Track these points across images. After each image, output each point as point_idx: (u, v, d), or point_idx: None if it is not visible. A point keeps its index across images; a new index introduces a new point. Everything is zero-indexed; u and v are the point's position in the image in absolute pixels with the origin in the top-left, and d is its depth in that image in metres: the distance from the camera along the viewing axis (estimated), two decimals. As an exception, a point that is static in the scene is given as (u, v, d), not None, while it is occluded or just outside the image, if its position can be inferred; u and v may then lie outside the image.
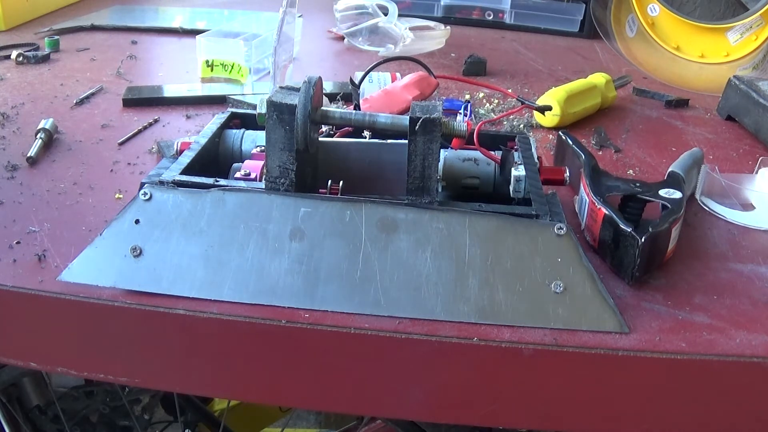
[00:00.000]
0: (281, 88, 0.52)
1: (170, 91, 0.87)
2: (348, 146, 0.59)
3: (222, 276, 0.48)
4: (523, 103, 0.82)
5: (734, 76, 0.89)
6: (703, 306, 0.51)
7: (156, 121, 0.79)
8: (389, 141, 0.58)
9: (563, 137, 0.68)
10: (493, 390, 0.48)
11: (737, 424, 0.48)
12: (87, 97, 0.85)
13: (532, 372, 0.47)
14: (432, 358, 0.47)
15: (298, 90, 0.51)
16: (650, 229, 0.51)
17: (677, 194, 0.57)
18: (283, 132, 0.50)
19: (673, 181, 0.60)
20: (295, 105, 0.49)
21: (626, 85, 0.97)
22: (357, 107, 0.77)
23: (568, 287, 0.48)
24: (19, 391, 0.97)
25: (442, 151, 0.56)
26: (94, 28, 1.18)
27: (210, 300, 0.48)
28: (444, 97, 0.90)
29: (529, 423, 0.50)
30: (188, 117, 0.81)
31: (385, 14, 1.10)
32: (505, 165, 0.58)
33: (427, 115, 0.49)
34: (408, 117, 0.50)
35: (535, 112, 0.84)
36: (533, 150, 0.59)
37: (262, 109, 0.55)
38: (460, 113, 0.81)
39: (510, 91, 0.89)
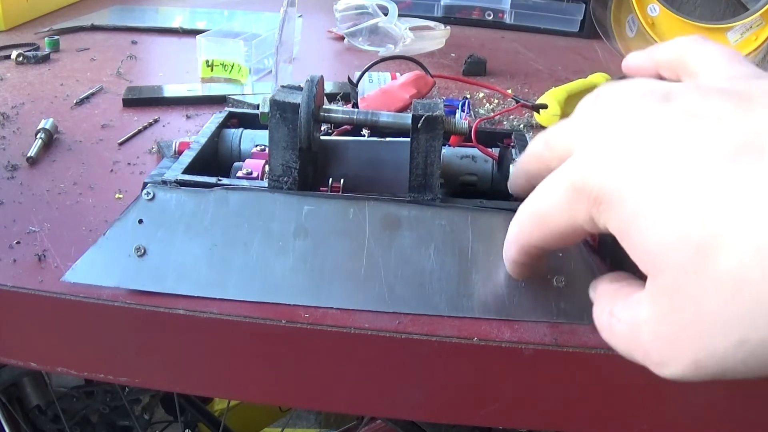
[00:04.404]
0: (283, 87, 0.52)
1: (170, 91, 0.87)
2: (347, 144, 0.59)
3: (227, 274, 0.48)
4: (518, 101, 0.82)
5: (734, 76, 0.89)
6: (704, 305, 0.50)
7: (156, 121, 0.79)
8: (388, 139, 0.58)
9: (564, 137, 0.67)
10: (493, 390, 0.48)
11: (737, 423, 0.48)
12: (87, 97, 0.85)
13: (532, 372, 0.47)
14: (432, 358, 0.47)
15: (300, 89, 0.51)
16: (651, 229, 0.51)
17: (678, 194, 0.57)
18: (287, 131, 0.50)
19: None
20: (299, 104, 0.49)
21: (626, 85, 0.96)
22: (355, 106, 0.77)
23: (570, 282, 0.48)
24: (19, 391, 0.97)
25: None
26: (94, 28, 1.18)
27: (214, 299, 0.47)
28: (443, 97, 0.90)
29: (529, 423, 0.50)
30: (188, 117, 0.81)
31: (385, 14, 1.10)
32: (502, 162, 0.58)
33: (430, 113, 0.49)
34: (410, 115, 0.50)
35: (536, 112, 0.84)
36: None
37: (264, 108, 0.55)
38: (458, 109, 0.81)
39: (509, 91, 0.89)
